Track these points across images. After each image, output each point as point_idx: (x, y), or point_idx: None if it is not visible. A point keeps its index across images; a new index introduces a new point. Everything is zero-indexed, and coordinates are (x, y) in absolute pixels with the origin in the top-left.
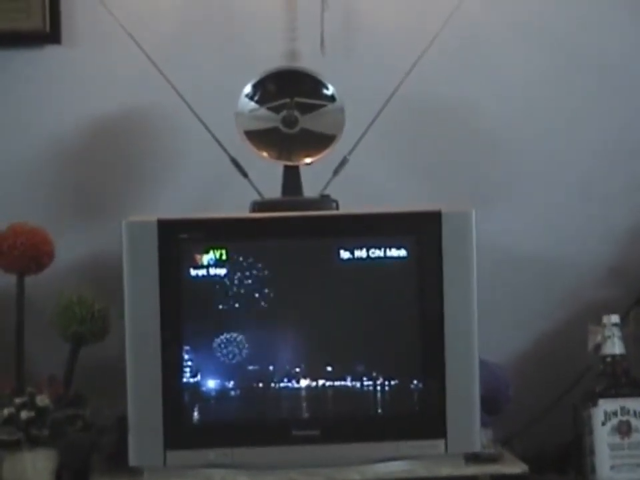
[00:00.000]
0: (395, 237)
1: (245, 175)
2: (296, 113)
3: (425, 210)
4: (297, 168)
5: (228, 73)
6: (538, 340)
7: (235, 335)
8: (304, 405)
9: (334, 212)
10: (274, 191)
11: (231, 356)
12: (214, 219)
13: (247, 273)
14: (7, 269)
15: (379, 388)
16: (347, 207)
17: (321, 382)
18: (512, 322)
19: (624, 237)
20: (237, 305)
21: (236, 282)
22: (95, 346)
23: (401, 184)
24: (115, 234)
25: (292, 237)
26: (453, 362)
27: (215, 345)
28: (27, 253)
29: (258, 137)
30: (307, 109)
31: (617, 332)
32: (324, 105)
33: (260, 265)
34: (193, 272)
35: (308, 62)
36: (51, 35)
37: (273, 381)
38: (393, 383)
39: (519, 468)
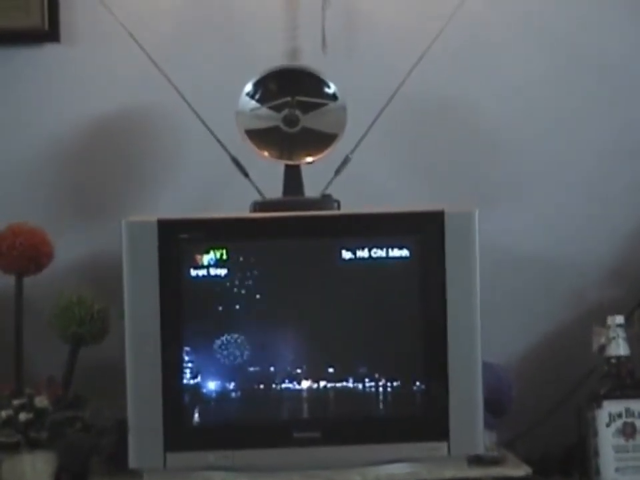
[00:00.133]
0: (397, 237)
1: (245, 174)
2: (297, 112)
3: (427, 210)
4: (298, 167)
5: (228, 72)
6: (541, 341)
7: (235, 335)
8: (305, 406)
9: (335, 212)
10: (275, 190)
11: (231, 357)
12: (214, 219)
13: (248, 273)
14: (6, 270)
15: (381, 389)
16: (349, 206)
17: (322, 383)
18: (515, 323)
19: (627, 236)
20: (237, 306)
21: (236, 282)
22: (95, 347)
23: (403, 183)
24: (114, 234)
25: (293, 237)
26: (455, 363)
27: (215, 345)
28: (26, 253)
29: (259, 136)
30: (308, 107)
31: (621, 333)
32: (325, 104)
33: (261, 265)
34: (193, 272)
35: (309, 60)
36: (50, 33)
37: (274, 383)
38: (395, 384)
39: (522, 470)
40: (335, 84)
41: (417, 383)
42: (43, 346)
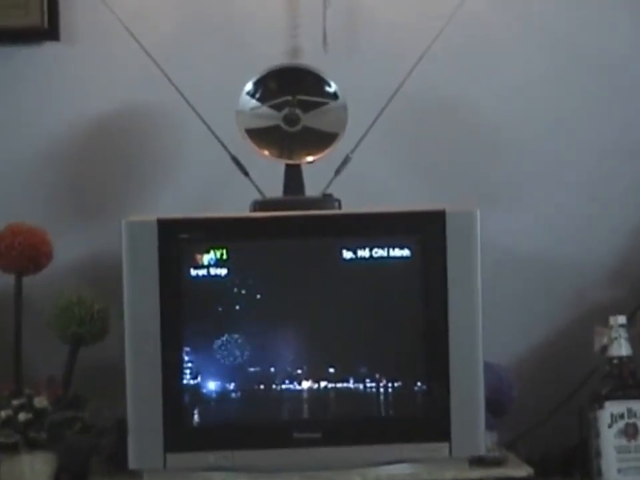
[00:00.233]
0: (399, 236)
1: (245, 173)
2: (298, 111)
3: (429, 209)
4: (298, 167)
5: (229, 71)
6: (543, 341)
7: (235, 335)
8: (305, 407)
9: (336, 211)
10: (275, 190)
11: (231, 357)
12: (214, 219)
13: (248, 273)
14: (5, 269)
15: (382, 390)
16: (350, 206)
17: (323, 384)
18: (516, 323)
19: (629, 236)
20: (237, 306)
21: (237, 282)
22: (94, 347)
23: (404, 183)
24: (114, 234)
25: (293, 236)
26: (457, 363)
27: (215, 346)
28: (25, 253)
29: (259, 135)
30: (308, 106)
31: (623, 333)
32: (326, 103)
33: (261, 265)
34: (193, 272)
35: (310, 59)
36: (49, 31)
37: (274, 383)
38: (396, 384)
39: (524, 471)
40: (336, 83)
41: (418, 384)
42: (43, 346)
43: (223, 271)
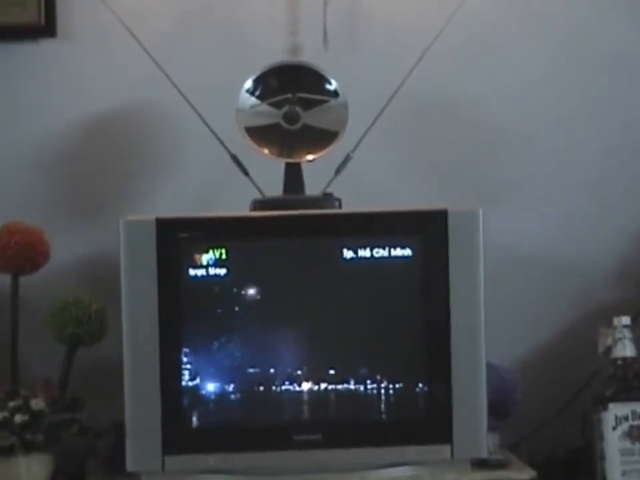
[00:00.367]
0: (400, 236)
1: (245, 172)
2: (298, 109)
3: (430, 209)
4: (298, 165)
5: (228, 68)
6: (546, 342)
7: (235, 336)
8: (306, 408)
9: (337, 210)
10: (275, 189)
11: (231, 358)
12: (214, 218)
13: (248, 273)
14: (1, 269)
15: (382, 391)
16: (350, 205)
17: (323, 385)
18: (519, 324)
19: (633, 236)
20: (237, 306)
21: (236, 282)
22: (92, 348)
23: (405, 182)
24: (112, 233)
25: (294, 236)
26: (459, 365)
27: (214, 346)
28: (22, 252)
29: (259, 134)
30: (309, 104)
31: (627, 334)
32: (327, 101)
33: (261, 265)
34: (192, 272)
35: (310, 57)
36: (46, 28)
37: (274, 384)
38: (397, 386)
39: (527, 474)
40: (337, 81)
41: (420, 385)
42: (39, 347)
43: (222, 271)
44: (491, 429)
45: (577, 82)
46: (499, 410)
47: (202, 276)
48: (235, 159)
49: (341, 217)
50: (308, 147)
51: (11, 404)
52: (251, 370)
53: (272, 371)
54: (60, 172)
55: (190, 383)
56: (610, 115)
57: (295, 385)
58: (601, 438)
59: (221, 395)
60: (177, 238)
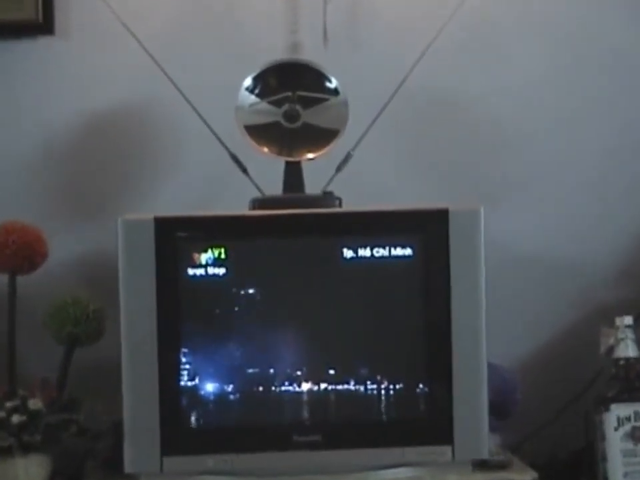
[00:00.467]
0: (401, 235)
1: (244, 171)
2: (298, 107)
3: (431, 208)
4: (298, 164)
5: (227, 66)
6: (548, 342)
7: (234, 336)
8: (305, 409)
9: (337, 209)
10: (275, 187)
11: (230, 358)
12: (213, 217)
13: (247, 273)
14: None
15: (383, 392)
16: (351, 204)
17: (323, 385)
18: (521, 324)
19: (635, 235)
20: (236, 306)
21: (235, 282)
22: (90, 348)
23: (406, 180)
24: (110, 232)
25: (293, 235)
26: (460, 365)
27: (213, 346)
28: (20, 251)
29: (258, 132)
30: (309, 102)
31: (630, 334)
32: (327, 99)
33: (260, 265)
34: (190, 271)
35: (310, 54)
36: (43, 25)
37: (273, 385)
38: (397, 386)
39: (528, 475)
40: (337, 79)
41: (420, 385)
42: (37, 347)
43: (221, 271)
44: (492, 429)
45: (577, 82)
46: (499, 410)
47: (201, 275)
48: (234, 157)
49: (341, 216)
50: (308, 145)
51: (9, 404)
52: (250, 370)
53: (271, 371)
54: (58, 170)
55: (189, 383)
56: (610, 115)
57: (295, 385)
58: (603, 439)
59: (220, 396)
60: (175, 237)
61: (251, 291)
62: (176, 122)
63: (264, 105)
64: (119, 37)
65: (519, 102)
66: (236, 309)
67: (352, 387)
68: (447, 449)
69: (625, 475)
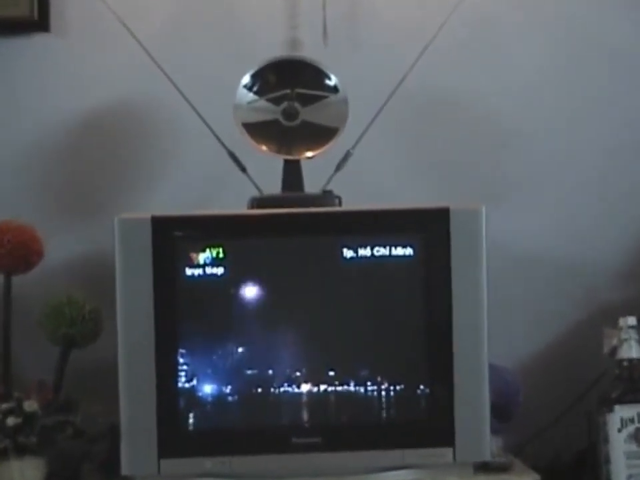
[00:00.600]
0: (401, 234)
1: (243, 169)
2: (297, 105)
3: (432, 207)
4: (297, 162)
5: (225, 63)
6: (550, 343)
7: (232, 337)
8: (305, 411)
9: (336, 208)
10: (273, 186)
11: (228, 359)
12: (211, 216)
13: (245, 273)
14: None
15: (383, 393)
16: (350, 203)
17: (322, 387)
18: (523, 324)
19: (637, 235)
20: (234, 306)
21: (234, 282)
22: (86, 349)
23: (406, 179)
24: (107, 232)
25: (292, 234)
26: (461, 366)
27: (211, 347)
28: (15, 251)
29: (257, 130)
30: (308, 100)
31: (633, 334)
32: (326, 96)
33: (259, 264)
34: (188, 271)
35: (310, 51)
36: (39, 22)
37: (272, 386)
38: (398, 388)
39: (530, 477)
40: (336, 76)
41: (421, 387)
42: (33, 348)
43: (219, 270)
44: (494, 431)
45: (577, 82)
46: (501, 412)
47: (199, 275)
48: (232, 155)
49: (340, 215)
50: (307, 143)
51: (4, 406)
52: (248, 371)
53: (270, 372)
54: (54, 169)
55: (186, 385)
56: (610, 115)
57: (294, 386)
58: (606, 440)
59: (218, 397)
60: (173, 236)
61: (249, 291)
62: (174, 120)
63: (262, 103)
64: (116, 34)
65: (519, 101)
66: (234, 309)
67: (352, 388)
68: (448, 451)
69: (629, 477)
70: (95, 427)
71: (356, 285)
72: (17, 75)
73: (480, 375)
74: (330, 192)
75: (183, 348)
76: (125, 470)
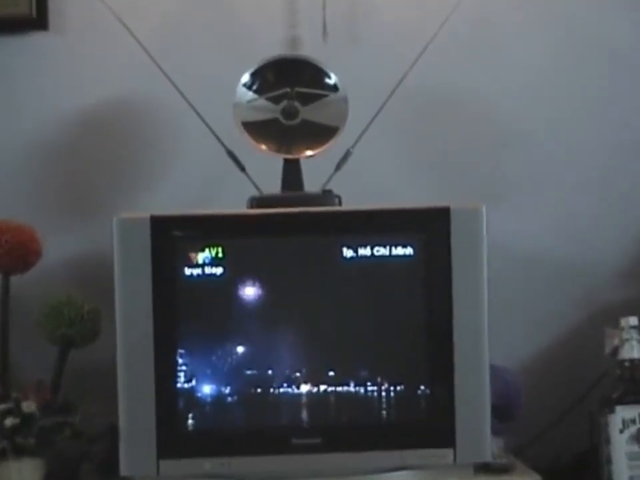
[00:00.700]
0: (401, 234)
1: (242, 168)
2: (296, 104)
3: (432, 206)
4: (297, 161)
5: (224, 61)
6: (551, 344)
7: (232, 337)
8: (305, 411)
9: (336, 208)
10: (273, 185)
11: (227, 360)
12: (210, 216)
13: (245, 273)
14: None
15: (383, 394)
16: (350, 202)
17: (322, 387)
18: (523, 325)
19: (638, 236)
20: (234, 306)
21: (233, 282)
22: (85, 349)
23: (407, 179)
24: (106, 231)
25: (292, 234)
26: (462, 367)
27: (211, 348)
28: (13, 251)
29: (256, 129)
30: (308, 99)
31: (635, 335)
32: (326, 95)
33: (258, 264)
34: (187, 271)
35: (309, 50)
36: (37, 20)
37: (272, 386)
38: (398, 388)
39: (531, 479)
40: (336, 74)
41: (421, 387)
42: (31, 348)
43: (218, 270)
44: (495, 432)
45: (577, 82)
46: (502, 413)
47: (198, 275)
48: (231, 154)
49: (340, 214)
50: (307, 142)
51: (2, 406)
52: (248, 372)
53: (270, 372)
54: (52, 168)
55: (185, 385)
56: (610, 115)
57: (294, 387)
58: (608, 441)
59: (218, 398)
60: (172, 236)
61: (249, 291)
62: (173, 119)
63: (262, 102)
64: (115, 32)
65: (519, 101)
66: (233, 309)
67: (352, 389)
68: (448, 452)
69: (631, 478)
70: (93, 427)
71: (356, 284)
72: (15, 73)
73: (481, 375)
74: (330, 191)
75: (182, 348)
76: (123, 471)
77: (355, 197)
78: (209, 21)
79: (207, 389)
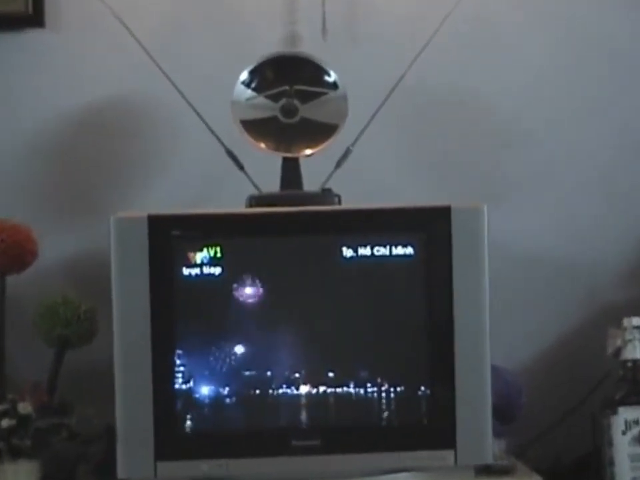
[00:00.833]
0: (402, 234)
1: (241, 167)
2: (296, 102)
3: (433, 205)
4: (296, 160)
5: (223, 59)
6: (553, 344)
7: (230, 338)
8: (304, 413)
9: (336, 207)
10: (272, 184)
11: (226, 361)
12: (208, 215)
13: (244, 272)
14: None
15: (383, 395)
16: (350, 201)
17: (322, 388)
18: (525, 325)
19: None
20: (232, 306)
21: (232, 281)
22: (81, 350)
23: (407, 177)
24: (103, 231)
25: (291, 233)
26: (463, 367)
27: (209, 348)
28: (9, 250)
29: (255, 127)
30: (307, 97)
31: (638, 335)
32: (325, 93)
33: (257, 264)
34: (185, 271)
35: (309, 47)
36: (33, 17)
37: (270, 388)
38: (398, 389)
39: None
40: (336, 72)
41: (422, 388)
42: (27, 349)
43: (217, 270)
44: (496, 433)
45: (577, 81)
46: (503, 414)
47: (196, 275)
48: (229, 153)
49: (340, 213)
50: (306, 140)
51: None
52: (246, 373)
53: (269, 373)
54: (49, 167)
55: (183, 386)
56: (610, 115)
57: (293, 388)
58: (610, 443)
59: (216, 399)
60: (169, 236)
61: (247, 291)
62: (171, 117)
63: (261, 100)
64: (111, 29)
65: (520, 101)
66: (232, 309)
67: (352, 390)
68: (449, 454)
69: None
70: (90, 429)
71: (356, 284)
72: (11, 71)
73: (482, 376)
74: (329, 190)
75: (179, 349)
76: (120, 473)
77: (354, 195)
78: (208, 19)
79: (205, 390)
